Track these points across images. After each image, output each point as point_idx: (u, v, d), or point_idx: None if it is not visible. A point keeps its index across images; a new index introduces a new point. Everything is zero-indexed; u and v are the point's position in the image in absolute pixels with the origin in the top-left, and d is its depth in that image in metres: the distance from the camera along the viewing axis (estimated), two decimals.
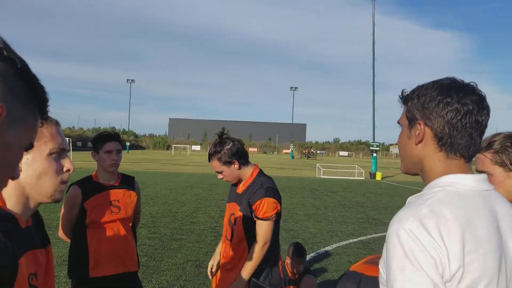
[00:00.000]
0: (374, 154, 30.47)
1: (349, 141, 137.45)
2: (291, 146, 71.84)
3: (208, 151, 2.89)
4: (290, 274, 4.15)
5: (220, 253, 3.05)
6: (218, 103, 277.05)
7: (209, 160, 2.86)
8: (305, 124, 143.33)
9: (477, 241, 1.00)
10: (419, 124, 1.14)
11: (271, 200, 2.76)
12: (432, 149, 1.13)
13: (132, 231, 3.02)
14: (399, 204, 14.11)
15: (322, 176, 27.44)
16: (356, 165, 31.95)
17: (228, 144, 2.81)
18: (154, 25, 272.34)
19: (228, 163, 2.80)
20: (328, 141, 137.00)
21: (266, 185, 2.80)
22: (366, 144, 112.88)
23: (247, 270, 2.72)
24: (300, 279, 4.13)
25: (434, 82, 1.15)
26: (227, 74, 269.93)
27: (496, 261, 1.01)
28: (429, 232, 0.98)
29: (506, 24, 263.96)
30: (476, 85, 1.12)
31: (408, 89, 1.22)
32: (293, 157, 67.97)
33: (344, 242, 7.94)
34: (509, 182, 1.75)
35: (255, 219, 2.77)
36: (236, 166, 2.82)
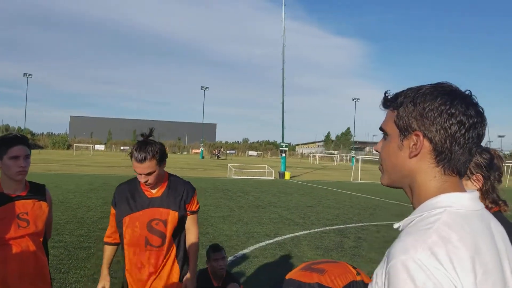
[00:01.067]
0: (283, 155, 31.36)
1: (258, 141, 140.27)
2: (201, 146, 71.23)
3: (139, 151, 2.68)
4: (213, 280, 3.98)
5: (107, 272, 3.07)
6: (124, 101, 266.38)
7: (145, 160, 2.67)
8: (215, 124, 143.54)
9: (486, 270, 0.91)
10: (417, 135, 1.00)
11: (196, 191, 3.01)
12: (428, 163, 1.00)
13: (43, 247, 2.66)
14: (309, 203, 14.61)
15: (233, 176, 27.57)
16: (266, 165, 32.62)
17: (159, 144, 2.77)
18: (55, 16, 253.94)
19: (162, 162, 2.76)
20: (238, 141, 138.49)
21: (185, 180, 2.97)
22: (274, 144, 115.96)
23: (194, 263, 2.94)
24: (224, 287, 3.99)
25: (432, 88, 1.01)
26: (135, 71, 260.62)
27: None
28: (441, 263, 0.85)
29: (398, 35, 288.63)
30: (471, 93, 1.01)
31: (392, 91, 1.07)
32: (203, 157, 67.53)
33: (261, 244, 7.96)
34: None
35: (189, 214, 2.92)
36: (164, 166, 2.83)
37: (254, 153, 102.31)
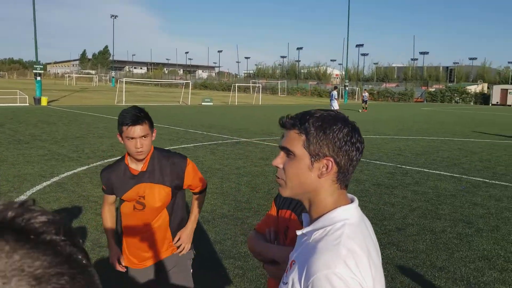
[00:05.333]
0: (38, 78, 27.95)
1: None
2: None
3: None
4: None
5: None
6: None
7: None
8: None
9: (376, 266, 1.12)
10: (328, 160, 1.17)
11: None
12: (330, 182, 1.18)
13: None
14: (78, 134, 13.85)
15: None
16: (18, 90, 28.54)
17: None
18: None
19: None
20: None
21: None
22: (20, 63, 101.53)
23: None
24: None
25: (332, 117, 1.19)
26: None
27: (384, 283, 1.19)
28: (354, 273, 1.04)
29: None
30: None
31: (290, 113, 1.23)
32: None
33: (38, 187, 7.32)
34: None
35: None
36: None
37: None
